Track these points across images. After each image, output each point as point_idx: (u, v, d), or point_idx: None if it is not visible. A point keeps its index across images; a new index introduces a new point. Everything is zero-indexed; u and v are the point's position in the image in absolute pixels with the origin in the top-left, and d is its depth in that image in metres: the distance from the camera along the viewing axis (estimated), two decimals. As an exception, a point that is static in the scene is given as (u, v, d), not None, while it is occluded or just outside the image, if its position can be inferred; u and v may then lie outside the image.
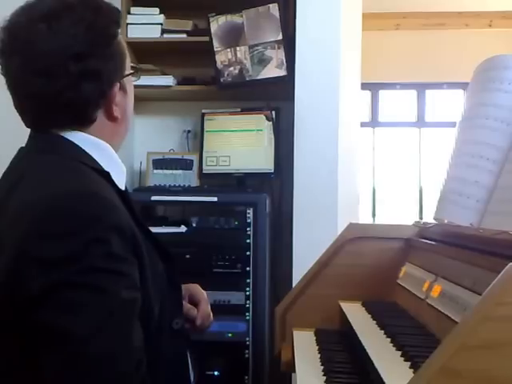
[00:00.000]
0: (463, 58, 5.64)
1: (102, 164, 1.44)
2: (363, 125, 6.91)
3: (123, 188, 1.49)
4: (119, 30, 1.48)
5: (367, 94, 7.24)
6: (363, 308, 2.07)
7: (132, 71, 1.52)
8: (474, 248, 1.56)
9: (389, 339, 1.61)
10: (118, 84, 1.46)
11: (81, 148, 1.42)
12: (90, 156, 1.43)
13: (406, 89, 7.29)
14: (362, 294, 2.17)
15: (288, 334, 2.19)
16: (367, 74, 4.47)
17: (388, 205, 7.29)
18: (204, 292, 1.76)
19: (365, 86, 6.58)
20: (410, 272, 2.03)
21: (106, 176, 1.41)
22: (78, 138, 1.43)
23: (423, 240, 2.06)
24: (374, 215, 7.13)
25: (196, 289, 1.76)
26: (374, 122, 7.34)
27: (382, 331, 1.71)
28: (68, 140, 1.42)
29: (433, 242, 1.96)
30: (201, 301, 1.72)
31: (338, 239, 2.29)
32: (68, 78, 1.36)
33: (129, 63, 1.52)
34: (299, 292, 2.26)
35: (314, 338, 2.04)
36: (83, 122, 1.44)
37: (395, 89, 7.27)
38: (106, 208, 1.26)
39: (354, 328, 1.78)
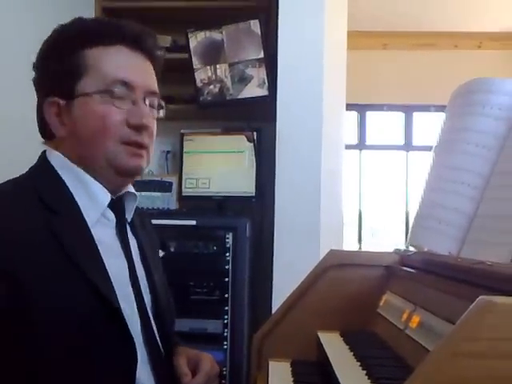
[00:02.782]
0: (452, 80, 5.58)
1: (72, 190, 1.43)
2: (350, 147, 6.90)
3: (93, 221, 1.44)
4: (81, 48, 1.46)
5: (354, 115, 7.20)
6: (341, 338, 1.98)
7: (82, 93, 1.46)
8: (453, 277, 1.50)
9: (364, 371, 1.53)
10: (60, 101, 1.45)
11: (51, 169, 1.45)
12: (54, 180, 1.44)
13: (393, 110, 7.27)
14: (341, 324, 2.09)
15: (264, 364, 2.10)
16: (354, 95, 4.42)
17: (375, 229, 7.26)
18: (210, 366, 1.59)
19: (351, 106, 6.57)
20: (390, 301, 1.95)
21: (45, 203, 1.39)
22: (53, 156, 1.48)
23: (403, 268, 1.98)
24: (360, 240, 7.08)
25: (201, 357, 1.61)
26: (360, 145, 7.30)
27: (359, 363, 1.62)
28: (45, 160, 1.47)
29: (413, 270, 1.89)
30: (199, 372, 1.55)
31: (318, 266, 2.21)
32: None
33: (93, 85, 1.45)
34: (277, 321, 2.17)
35: (290, 369, 1.94)
36: (44, 136, 1.52)
37: (382, 110, 7.24)
38: None
39: (330, 359, 1.70)
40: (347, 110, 4.15)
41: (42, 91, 1.48)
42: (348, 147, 6.06)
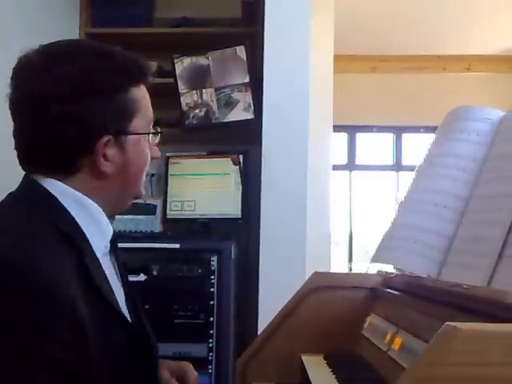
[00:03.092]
0: (441, 102, 5.62)
1: (79, 222, 1.36)
2: (340, 168, 6.91)
3: (100, 253, 1.39)
4: (130, 84, 1.40)
5: (344, 136, 7.23)
6: (325, 361, 1.96)
7: (138, 133, 1.41)
8: (431, 299, 1.51)
9: (345, 395, 1.52)
10: (112, 138, 1.37)
11: (55, 200, 1.35)
12: (63, 211, 1.35)
13: (382, 132, 7.30)
14: (326, 346, 2.07)
15: (248, 389, 2.08)
16: (344, 117, 4.44)
17: (365, 249, 7.25)
18: (195, 376, 1.60)
19: (341, 128, 6.59)
20: (374, 323, 1.95)
21: (68, 237, 1.32)
22: (57, 188, 1.37)
23: (387, 290, 1.98)
24: (350, 260, 7.07)
25: (184, 367, 1.61)
26: (350, 165, 7.32)
27: (340, 386, 1.62)
28: (44, 189, 1.36)
29: (395, 292, 1.88)
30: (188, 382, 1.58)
31: (302, 288, 2.20)
32: (47, 118, 1.33)
33: (142, 124, 1.42)
34: (261, 344, 2.15)
35: (273, 393, 1.94)
36: (62, 170, 1.37)
37: (372, 131, 7.27)
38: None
39: (312, 383, 1.70)
40: (337, 131, 4.18)
41: (93, 126, 1.36)
42: (338, 168, 6.06)
